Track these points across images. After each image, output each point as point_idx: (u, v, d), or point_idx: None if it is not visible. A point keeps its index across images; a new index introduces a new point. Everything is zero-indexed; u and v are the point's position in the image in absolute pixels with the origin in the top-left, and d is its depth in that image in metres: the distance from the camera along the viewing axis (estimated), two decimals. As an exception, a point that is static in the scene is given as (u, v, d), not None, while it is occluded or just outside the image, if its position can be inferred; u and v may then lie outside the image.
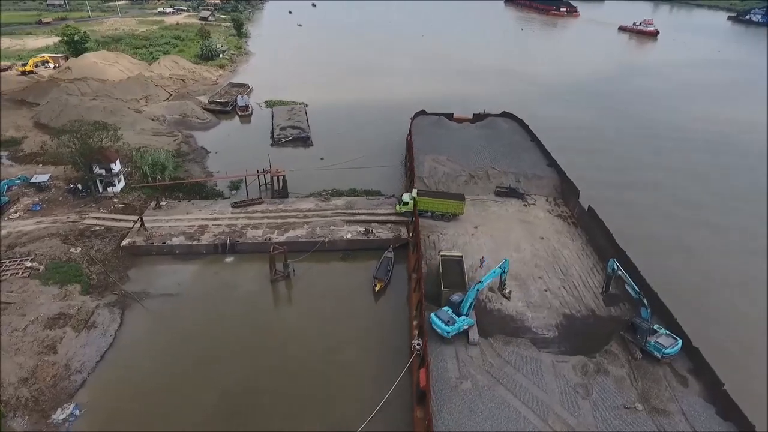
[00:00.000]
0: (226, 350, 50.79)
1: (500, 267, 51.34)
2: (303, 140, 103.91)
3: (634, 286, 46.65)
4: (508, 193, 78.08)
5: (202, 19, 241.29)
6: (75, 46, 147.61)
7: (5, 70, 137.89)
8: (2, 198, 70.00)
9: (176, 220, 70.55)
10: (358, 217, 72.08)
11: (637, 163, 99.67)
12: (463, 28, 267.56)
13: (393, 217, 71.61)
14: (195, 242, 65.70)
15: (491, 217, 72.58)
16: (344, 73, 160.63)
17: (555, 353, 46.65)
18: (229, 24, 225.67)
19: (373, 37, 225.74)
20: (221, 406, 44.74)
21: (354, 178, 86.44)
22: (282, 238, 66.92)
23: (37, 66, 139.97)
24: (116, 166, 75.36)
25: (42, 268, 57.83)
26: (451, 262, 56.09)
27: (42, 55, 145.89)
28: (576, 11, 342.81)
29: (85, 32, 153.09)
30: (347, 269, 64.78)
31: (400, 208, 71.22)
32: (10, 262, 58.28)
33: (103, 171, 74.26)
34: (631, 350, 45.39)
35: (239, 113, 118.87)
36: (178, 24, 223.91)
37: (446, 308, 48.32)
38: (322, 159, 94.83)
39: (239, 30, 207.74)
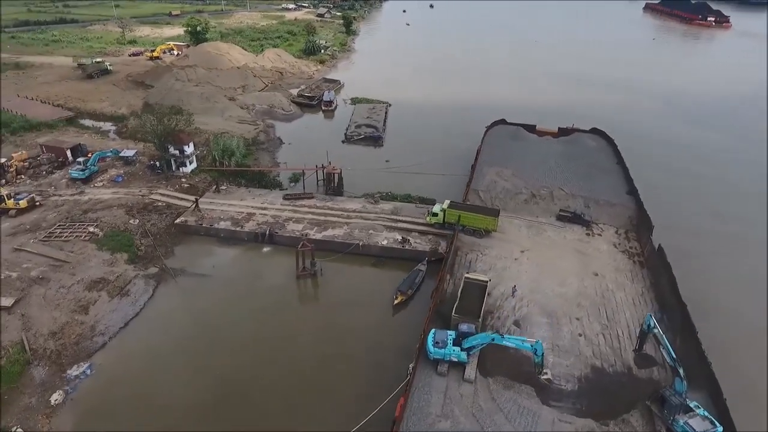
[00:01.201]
0: (235, 336, 51.86)
1: (532, 347, 41.49)
2: (374, 139, 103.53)
3: (671, 351, 38.70)
4: (571, 218, 70.16)
5: (319, 15, 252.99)
6: (196, 36, 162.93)
7: (138, 54, 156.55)
8: (93, 167, 78.92)
9: (229, 205, 74.01)
10: (399, 224, 69.68)
11: (748, 208, 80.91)
12: (585, 34, 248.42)
13: (434, 229, 68.06)
14: (238, 228, 68.30)
15: (544, 242, 65.76)
16: (438, 75, 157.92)
17: (562, 410, 40.49)
18: (341, 21, 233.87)
19: (482, 41, 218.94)
20: (212, 389, 45.54)
21: (414, 184, 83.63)
22: (319, 236, 66.90)
23: (164, 53, 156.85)
24: (188, 149, 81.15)
25: (101, 234, 64.05)
26: (473, 287, 51.54)
27: (169, 43, 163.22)
28: (727, 21, 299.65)
29: (206, 23, 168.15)
30: (376, 276, 62.81)
31: (430, 219, 67.81)
32: (78, 225, 65.36)
33: (177, 152, 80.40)
34: (656, 426, 37.75)
35: (324, 108, 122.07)
36: (296, 20, 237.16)
37: (451, 332, 44.43)
38: (387, 161, 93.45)
39: (348, 27, 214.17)
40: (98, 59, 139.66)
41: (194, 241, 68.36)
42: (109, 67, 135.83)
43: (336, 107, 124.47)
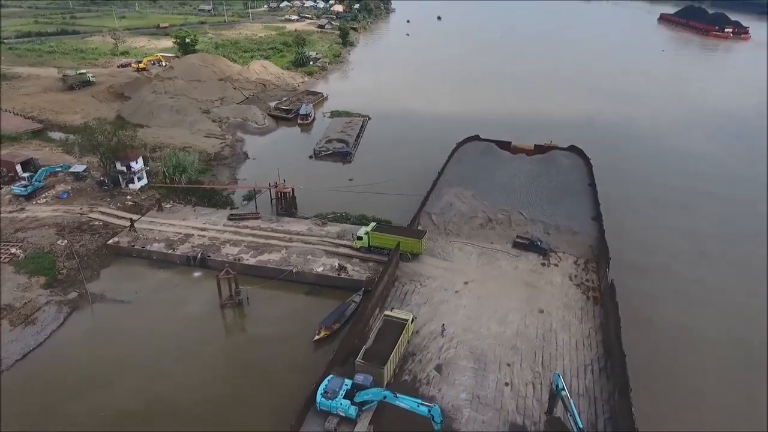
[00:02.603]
0: (137, 374, 48.03)
1: (429, 413, 35.85)
2: (342, 155, 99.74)
3: (578, 420, 33.40)
4: (527, 246, 64.92)
5: (320, 27, 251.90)
6: (185, 47, 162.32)
7: (126, 66, 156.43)
8: (37, 183, 76.74)
9: (170, 225, 70.82)
10: (342, 249, 65.41)
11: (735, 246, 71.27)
12: (593, 45, 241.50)
13: (375, 256, 63.47)
14: (170, 251, 64.91)
15: (493, 272, 60.69)
16: (428, 87, 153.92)
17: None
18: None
19: (483, 51, 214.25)
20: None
21: (374, 204, 79.37)
22: (253, 261, 63.12)
23: (152, 64, 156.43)
24: (136, 165, 78.48)
25: (22, 255, 61.31)
26: (391, 326, 46.85)
27: (157, 54, 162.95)
28: (746, 32, 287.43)
29: (195, 35, 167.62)
30: (307, 307, 58.38)
31: (355, 243, 63.96)
32: (3, 245, 62.78)
33: (124, 168, 77.76)
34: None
35: (300, 122, 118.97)
36: (296, 31, 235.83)
37: (349, 381, 39.84)
38: (350, 180, 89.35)
39: (344, 38, 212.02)
40: (82, 71, 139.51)
41: (125, 264, 65.19)
42: (91, 79, 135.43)
43: (313, 121, 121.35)
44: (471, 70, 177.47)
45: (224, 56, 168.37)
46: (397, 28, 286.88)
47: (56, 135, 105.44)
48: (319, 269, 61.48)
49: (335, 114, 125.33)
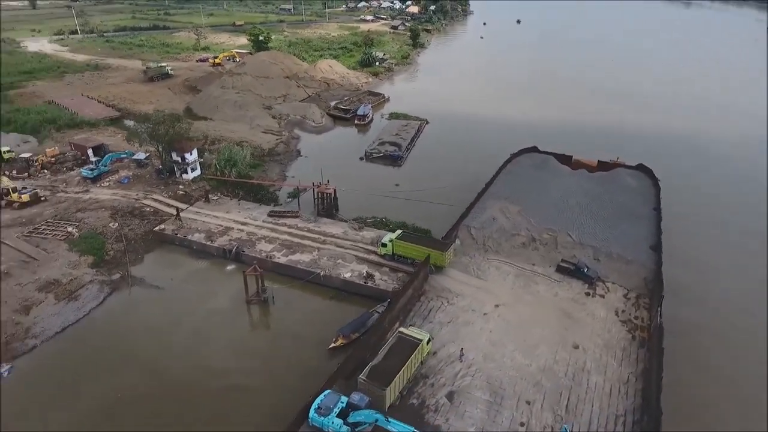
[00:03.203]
0: (158, 357, 49.81)
1: None
2: (394, 159, 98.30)
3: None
4: (572, 271, 59.93)
5: (393, 27, 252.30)
6: (258, 45, 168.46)
7: (204, 60, 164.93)
8: (103, 168, 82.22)
9: (213, 217, 73.00)
10: (372, 256, 63.95)
11: None
12: (682, 54, 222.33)
13: (405, 266, 61.35)
14: (209, 242, 66.78)
15: (529, 297, 56.58)
16: (496, 91, 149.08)
17: None
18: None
19: (564, 56, 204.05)
20: (113, 410, 43.89)
21: (417, 212, 77.30)
22: (283, 260, 63.37)
23: (227, 60, 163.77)
24: (190, 156, 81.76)
25: (77, 235, 65.61)
26: (405, 344, 44.70)
27: (232, 50, 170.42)
28: None
29: (268, 33, 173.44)
30: (330, 312, 57.52)
31: (380, 250, 62.50)
32: (63, 224, 67.58)
33: (179, 159, 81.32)
34: None
35: (357, 122, 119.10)
36: (368, 31, 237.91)
37: (345, 398, 38.33)
38: (396, 185, 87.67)
39: (414, 40, 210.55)
40: (162, 64, 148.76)
41: (167, 251, 67.96)
42: (170, 72, 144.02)
43: (370, 122, 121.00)
44: (545, 76, 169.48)
45: (295, 54, 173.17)
46: (471, 31, 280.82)
47: (130, 123, 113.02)
48: (347, 275, 60.48)
49: (393, 116, 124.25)
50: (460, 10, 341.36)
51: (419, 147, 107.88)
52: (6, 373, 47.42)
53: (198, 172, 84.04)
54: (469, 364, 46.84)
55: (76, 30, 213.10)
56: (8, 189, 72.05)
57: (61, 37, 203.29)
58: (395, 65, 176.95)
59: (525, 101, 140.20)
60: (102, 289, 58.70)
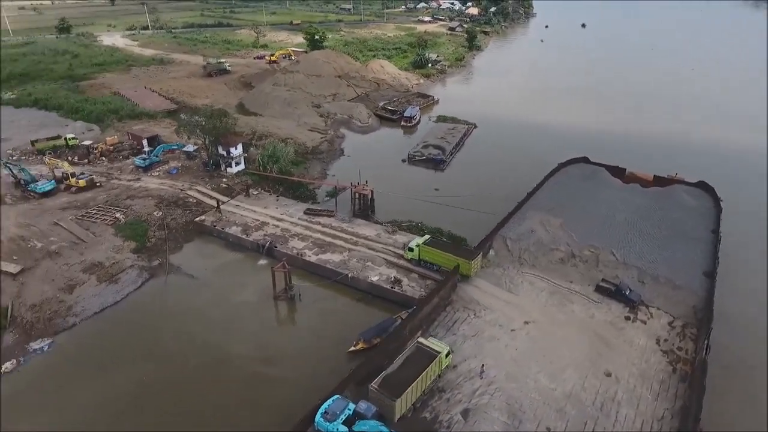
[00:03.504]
0: (177, 344, 51.51)
1: None
2: (436, 163, 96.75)
3: None
4: (612, 293, 56.30)
5: (450, 29, 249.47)
6: (314, 43, 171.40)
7: (261, 58, 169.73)
8: (154, 158, 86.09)
9: (251, 211, 74.56)
10: (402, 261, 62.94)
11: None
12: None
13: (434, 273, 59.93)
14: (244, 236, 68.21)
15: (561, 316, 53.67)
16: (550, 99, 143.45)
17: None
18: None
19: (629, 62, 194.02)
20: (136, 393, 45.75)
21: (455, 218, 75.59)
22: (313, 258, 63.66)
23: (283, 57, 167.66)
24: (235, 150, 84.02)
25: (123, 220, 68.91)
26: (422, 355, 43.46)
27: (288, 48, 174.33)
28: None
29: (323, 32, 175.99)
30: (354, 315, 57.12)
31: (407, 254, 61.64)
32: (113, 209, 71.22)
33: (224, 153, 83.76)
34: None
35: (403, 123, 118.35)
36: (425, 32, 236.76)
37: (352, 405, 37.69)
38: (436, 189, 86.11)
39: (471, 42, 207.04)
40: (222, 60, 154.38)
41: (205, 242, 70.08)
42: (227, 68, 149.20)
43: (417, 124, 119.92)
44: (605, 83, 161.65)
45: (349, 54, 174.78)
46: (532, 34, 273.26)
47: (185, 116, 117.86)
48: (374, 278, 59.87)
49: (441, 119, 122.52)
50: (522, 12, 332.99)
51: (465, 151, 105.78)
52: (46, 348, 50.40)
53: (242, 166, 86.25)
54: (489, 382, 44.92)
55: (147, 26, 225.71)
56: (68, 174, 76.81)
57: (133, 32, 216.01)
58: (448, 67, 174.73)
59: (582, 109, 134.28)
60: (141, 274, 61.29)
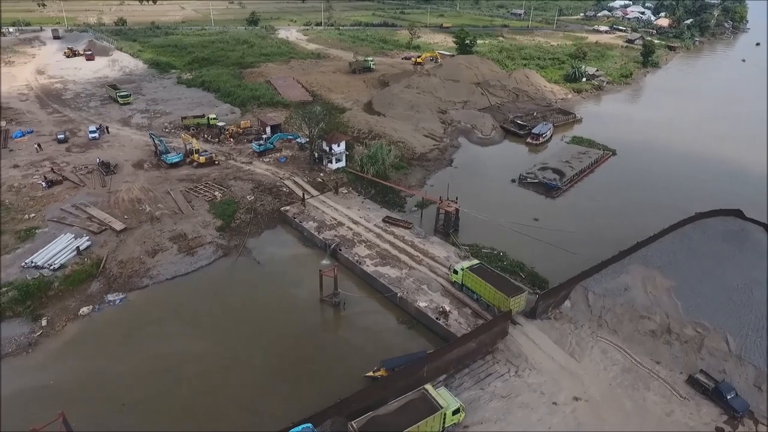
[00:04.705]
0: (225, 324, 54.09)
1: None
2: (549, 188, 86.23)
3: None
4: (709, 391, 43.29)
5: (628, 41, 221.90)
6: (463, 48, 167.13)
7: (408, 58, 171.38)
8: (268, 145, 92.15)
9: (333, 209, 75.11)
10: (460, 293, 56.95)
11: None
12: None
13: (484, 312, 52.84)
14: (316, 233, 68.84)
15: (627, 402, 43.25)
16: (729, 131, 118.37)
17: None
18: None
19: None
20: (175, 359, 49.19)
21: (542, 254, 67.04)
22: (371, 269, 61.33)
23: (431, 60, 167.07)
24: (338, 148, 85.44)
25: (219, 199, 74.83)
26: (423, 404, 38.30)
27: (434, 51, 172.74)
28: None
29: (474, 37, 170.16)
30: (393, 337, 53.78)
31: (452, 276, 57.37)
32: (216, 187, 77.90)
33: (327, 149, 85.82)
34: None
35: (529, 140, 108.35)
36: (596, 43, 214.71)
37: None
38: (535, 219, 76.67)
39: (646, 57, 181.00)
40: (369, 58, 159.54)
41: (283, 231, 72.68)
42: (372, 66, 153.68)
43: (546, 142, 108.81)
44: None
45: (497, 61, 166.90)
46: (735, 53, 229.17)
47: (318, 109, 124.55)
48: (422, 304, 55.27)
49: (576, 140, 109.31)
50: (727, 25, 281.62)
51: (590, 180, 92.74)
52: (119, 301, 57.04)
53: (343, 163, 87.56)
54: (495, 454, 37.94)
55: (321, 22, 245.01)
56: (193, 150, 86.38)
57: (307, 27, 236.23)
58: (608, 83, 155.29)
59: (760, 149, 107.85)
60: (216, 251, 65.82)
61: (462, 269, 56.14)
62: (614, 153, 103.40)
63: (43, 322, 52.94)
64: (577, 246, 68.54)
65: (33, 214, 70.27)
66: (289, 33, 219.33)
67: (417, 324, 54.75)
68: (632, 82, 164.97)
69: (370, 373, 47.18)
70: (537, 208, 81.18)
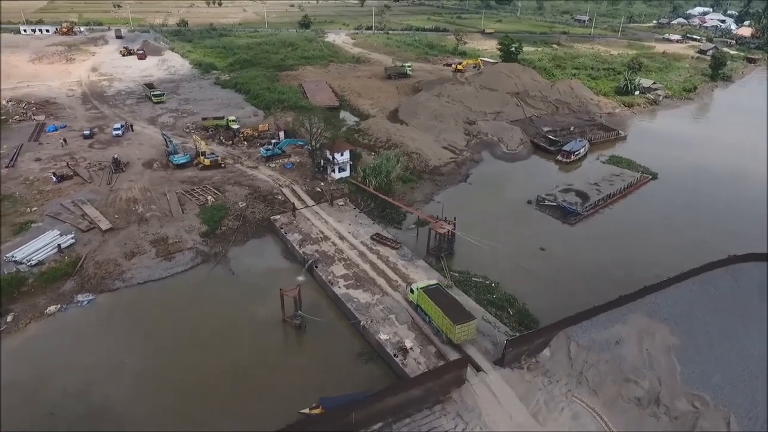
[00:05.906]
0: (180, 336, 52.37)
1: None
2: (567, 213, 78.09)
3: None
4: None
5: (701, 52, 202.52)
6: (508, 55, 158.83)
7: (449, 65, 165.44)
8: (276, 150, 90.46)
9: (323, 222, 71.80)
10: (427, 327, 51.55)
11: None
12: None
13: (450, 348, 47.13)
14: (297, 246, 65.75)
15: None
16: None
17: None
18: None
19: None
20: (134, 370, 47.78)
21: (540, 288, 60.52)
22: (341, 291, 57.28)
23: (473, 67, 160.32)
24: (341, 157, 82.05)
25: (210, 204, 73.64)
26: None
27: (477, 58, 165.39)
28: None
29: (520, 44, 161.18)
30: (347, 370, 49.35)
31: (409, 295, 53.94)
32: (210, 191, 76.93)
33: (329, 157, 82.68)
34: None
35: (559, 158, 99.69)
36: (663, 53, 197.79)
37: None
38: (541, 249, 69.35)
39: (715, 70, 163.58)
40: (407, 63, 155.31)
41: (269, 241, 70.30)
42: (408, 72, 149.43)
43: (578, 160, 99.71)
44: None
45: (545, 70, 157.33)
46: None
47: (343, 114, 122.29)
48: (384, 337, 50.47)
49: (613, 160, 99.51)
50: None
51: (620, 206, 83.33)
52: (86, 302, 56.75)
53: (347, 173, 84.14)
54: None
55: (371, 26, 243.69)
56: (202, 152, 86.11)
57: (356, 31, 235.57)
58: (665, 97, 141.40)
59: None
60: (194, 258, 64.41)
61: (417, 289, 51.80)
62: (655, 177, 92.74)
63: (9, 318, 53.49)
64: (583, 282, 61.14)
65: (35, 208, 72.45)
66: (338, 36, 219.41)
67: (377, 357, 50.11)
68: (695, 97, 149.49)
69: (306, 410, 43.18)
70: (549, 235, 73.51)
